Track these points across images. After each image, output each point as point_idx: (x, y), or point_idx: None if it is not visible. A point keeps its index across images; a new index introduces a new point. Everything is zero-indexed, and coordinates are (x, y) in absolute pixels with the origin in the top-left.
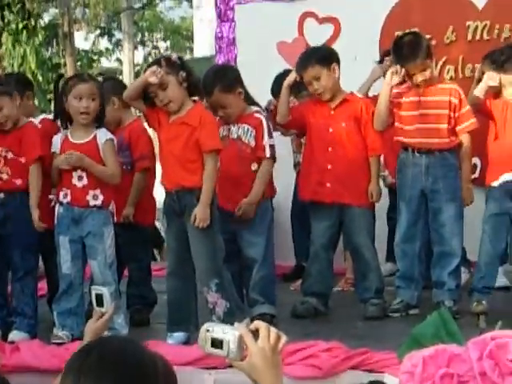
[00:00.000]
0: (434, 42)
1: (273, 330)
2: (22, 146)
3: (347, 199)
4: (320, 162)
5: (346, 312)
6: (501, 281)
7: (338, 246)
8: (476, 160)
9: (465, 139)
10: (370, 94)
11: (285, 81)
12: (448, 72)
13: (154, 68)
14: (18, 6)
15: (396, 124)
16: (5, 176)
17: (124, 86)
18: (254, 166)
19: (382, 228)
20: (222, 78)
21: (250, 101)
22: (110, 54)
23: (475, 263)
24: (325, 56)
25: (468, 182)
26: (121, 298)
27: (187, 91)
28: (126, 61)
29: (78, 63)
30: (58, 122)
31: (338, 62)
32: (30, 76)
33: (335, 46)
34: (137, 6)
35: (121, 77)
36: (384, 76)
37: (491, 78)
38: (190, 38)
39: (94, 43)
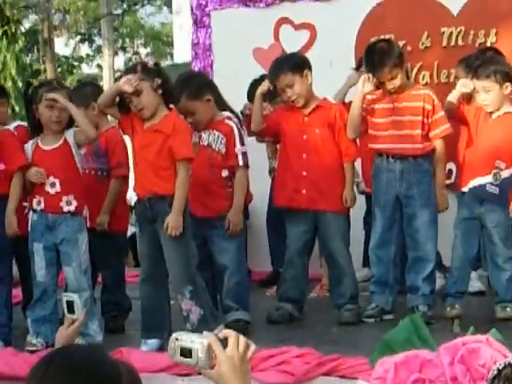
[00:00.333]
0: (409, 48)
1: (242, 338)
2: (1, 152)
3: (322, 205)
4: (295, 168)
5: (321, 318)
6: (475, 286)
7: (314, 251)
8: (451, 165)
9: (438, 145)
10: (346, 100)
11: (258, 89)
12: (423, 78)
13: (130, 76)
14: None
15: (370, 131)
16: None
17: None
18: (224, 173)
19: (359, 234)
20: (189, 85)
21: (222, 106)
22: (91, 60)
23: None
24: (296, 63)
25: (442, 187)
26: (95, 305)
27: (163, 98)
28: (106, 66)
29: (59, 69)
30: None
31: (309, 68)
32: (10, 82)
33: (311, 52)
34: (117, 12)
35: (101, 83)
36: None
37: (464, 85)
38: (171, 44)
39: (74, 49)
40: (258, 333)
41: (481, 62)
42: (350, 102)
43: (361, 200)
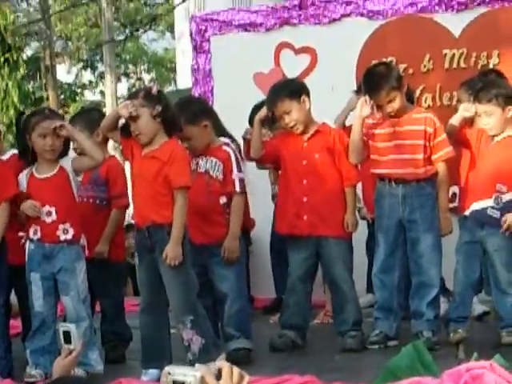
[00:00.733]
0: (410, 71)
1: (235, 369)
2: None
3: (324, 231)
4: (296, 194)
5: (324, 344)
6: (478, 309)
7: (318, 277)
8: (455, 188)
9: (441, 168)
10: (348, 124)
11: (256, 116)
12: (426, 100)
13: (128, 102)
14: None
15: (371, 156)
16: None
17: None
18: (222, 200)
19: (362, 259)
20: (186, 110)
21: (220, 132)
22: (94, 87)
23: None
24: (294, 89)
25: (446, 211)
26: (95, 334)
27: (163, 126)
28: (109, 93)
29: (62, 96)
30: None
31: (307, 93)
32: (12, 110)
33: (312, 77)
34: (119, 38)
35: (104, 109)
36: None
37: (466, 109)
38: (174, 70)
39: (77, 76)
40: (260, 361)
41: (482, 85)
42: (351, 126)
43: (363, 225)
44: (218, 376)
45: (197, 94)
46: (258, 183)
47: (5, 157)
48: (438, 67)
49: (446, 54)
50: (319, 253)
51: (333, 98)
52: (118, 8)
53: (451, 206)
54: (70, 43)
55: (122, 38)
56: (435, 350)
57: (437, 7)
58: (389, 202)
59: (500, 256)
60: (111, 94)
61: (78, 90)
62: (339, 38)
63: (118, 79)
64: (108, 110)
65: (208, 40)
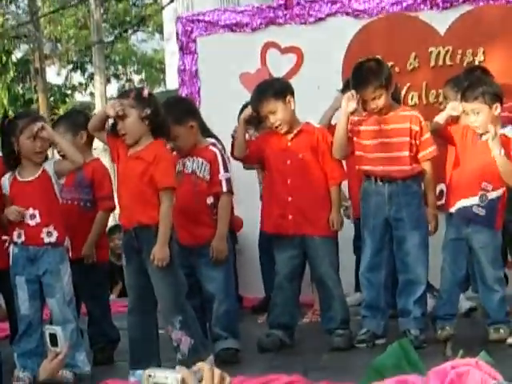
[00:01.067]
0: (397, 69)
1: (216, 370)
2: None
3: (309, 230)
4: (280, 194)
5: (313, 343)
6: (465, 305)
7: (306, 276)
8: (442, 186)
9: (427, 166)
10: (333, 123)
11: (241, 116)
12: (412, 98)
13: (115, 101)
14: None
15: (357, 153)
16: None
17: None
18: (209, 200)
19: (350, 258)
20: (173, 110)
21: (206, 133)
22: (84, 89)
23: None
24: (279, 89)
25: (434, 208)
26: (82, 336)
27: (150, 129)
28: (98, 94)
29: (51, 98)
30: None
31: (292, 93)
32: (2, 112)
33: (298, 76)
34: (108, 39)
35: (94, 111)
36: None
37: (454, 108)
38: (164, 71)
39: (66, 78)
40: (248, 360)
41: (469, 83)
42: (335, 125)
43: (351, 224)
44: (200, 378)
45: (184, 95)
46: (246, 183)
47: None
48: (423, 65)
49: (431, 52)
50: (305, 252)
51: (319, 97)
52: (107, 9)
53: (439, 203)
54: (59, 45)
55: (111, 39)
56: (423, 347)
57: (422, 5)
58: (375, 200)
59: (486, 253)
60: (101, 95)
61: (68, 92)
62: (325, 38)
63: (108, 80)
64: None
65: (194, 41)
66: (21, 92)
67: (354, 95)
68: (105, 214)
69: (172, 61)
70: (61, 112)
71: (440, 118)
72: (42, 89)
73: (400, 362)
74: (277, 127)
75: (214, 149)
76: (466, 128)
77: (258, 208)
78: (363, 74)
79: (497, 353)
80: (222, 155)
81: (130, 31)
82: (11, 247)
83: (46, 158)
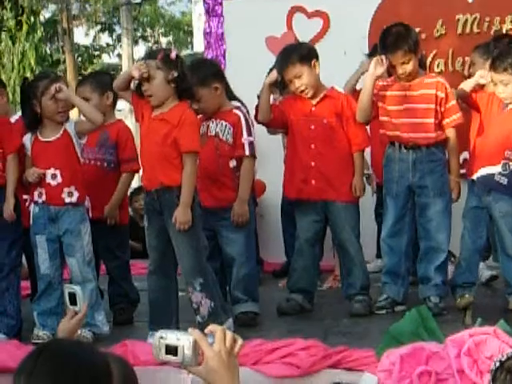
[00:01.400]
0: (423, 36)
1: (228, 333)
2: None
3: (331, 195)
4: (303, 159)
5: (332, 309)
6: (486, 274)
7: (328, 242)
8: (466, 154)
9: (451, 133)
10: (358, 87)
11: (265, 79)
12: (438, 66)
13: (141, 63)
14: (11, 2)
15: (381, 118)
16: None
17: None
18: (232, 163)
19: (372, 225)
20: (197, 72)
21: (231, 96)
22: (112, 50)
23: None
24: (304, 53)
25: (457, 176)
26: (102, 296)
27: (176, 92)
28: (125, 56)
29: (79, 59)
30: None
31: (317, 58)
32: (29, 72)
33: (324, 41)
34: (136, 0)
35: (121, 72)
36: None
37: (482, 76)
38: (191, 33)
39: (94, 39)
40: (267, 324)
41: (498, 53)
42: (360, 91)
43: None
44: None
45: (209, 58)
46: (270, 147)
47: (12, 119)
48: (450, 32)
49: (458, 19)
50: (327, 217)
51: (345, 62)
52: None
53: (461, 171)
54: (87, 6)
55: (139, 0)
56: (442, 315)
57: None
58: (399, 167)
59: (506, 222)
60: (128, 57)
61: (96, 53)
62: (352, 3)
63: (136, 42)
64: None
65: (220, 3)
66: (48, 52)
67: (383, 60)
68: (128, 176)
69: (199, 23)
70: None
71: (467, 85)
72: (69, 49)
73: (418, 328)
74: (302, 91)
75: (238, 112)
76: (491, 96)
77: (281, 172)
78: (392, 39)
79: None
80: (246, 119)
81: None
82: (32, 206)
83: (68, 118)
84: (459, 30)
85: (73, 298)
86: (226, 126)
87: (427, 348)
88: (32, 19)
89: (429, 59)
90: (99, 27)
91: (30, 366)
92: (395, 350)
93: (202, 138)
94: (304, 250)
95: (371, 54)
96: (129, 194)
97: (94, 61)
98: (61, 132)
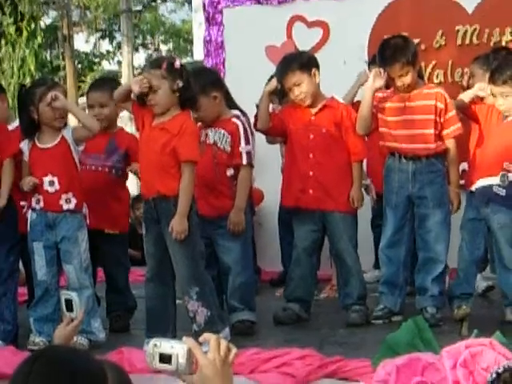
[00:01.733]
0: (423, 47)
1: (223, 341)
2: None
3: (329, 205)
4: (302, 168)
5: (329, 318)
6: (482, 285)
7: (325, 251)
8: (465, 165)
9: (451, 144)
10: (356, 99)
11: (265, 87)
12: (437, 76)
13: (141, 77)
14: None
15: (381, 129)
16: None
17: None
18: (229, 172)
19: (370, 235)
20: (197, 80)
21: (231, 105)
22: (112, 57)
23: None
24: (305, 62)
25: (456, 186)
26: (99, 303)
27: (179, 101)
28: (125, 63)
29: (79, 66)
30: None
31: (317, 67)
32: (28, 78)
33: (324, 50)
34: (137, 8)
35: (121, 79)
36: None
37: (482, 89)
38: (191, 41)
39: (94, 46)
40: (264, 333)
41: (497, 66)
42: (359, 102)
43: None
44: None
45: (209, 66)
46: (268, 155)
47: (11, 127)
48: (450, 43)
49: (458, 30)
50: (325, 227)
51: (344, 72)
52: None
53: (460, 182)
54: (88, 12)
55: (139, 7)
56: (439, 326)
57: None
58: (398, 177)
59: (504, 233)
60: (128, 64)
61: (96, 60)
62: (352, 12)
63: (136, 49)
64: (124, 80)
65: (221, 12)
66: (48, 58)
67: (382, 72)
68: None
69: (199, 32)
70: (88, 79)
71: (466, 97)
72: (69, 56)
73: (414, 339)
74: (301, 100)
75: (237, 121)
76: (491, 107)
77: (279, 181)
78: (390, 52)
79: None
80: (245, 128)
81: (159, 0)
82: (29, 213)
83: (66, 124)
84: (459, 41)
85: (69, 305)
86: (224, 134)
87: (423, 359)
88: (32, 25)
89: (428, 70)
90: (99, 34)
91: (25, 373)
92: (391, 360)
93: (201, 146)
94: (301, 259)
95: (371, 65)
96: (130, 201)
97: (94, 67)
98: (58, 139)
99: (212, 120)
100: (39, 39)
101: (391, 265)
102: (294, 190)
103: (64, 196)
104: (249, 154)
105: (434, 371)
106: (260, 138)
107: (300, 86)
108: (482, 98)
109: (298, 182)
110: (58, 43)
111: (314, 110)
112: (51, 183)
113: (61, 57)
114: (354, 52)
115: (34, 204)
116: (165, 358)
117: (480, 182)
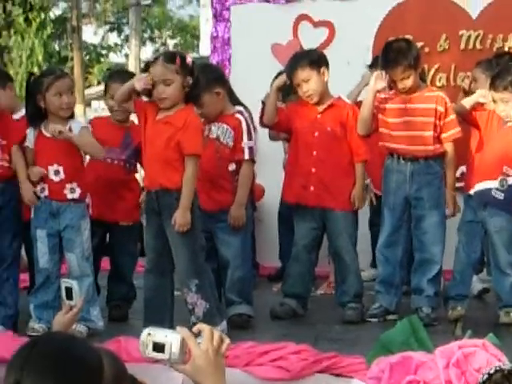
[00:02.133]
0: (426, 50)
1: (216, 332)
2: (5, 131)
3: (330, 203)
4: (304, 165)
5: (325, 315)
6: (478, 287)
7: (324, 248)
8: (464, 168)
9: (449, 147)
10: (359, 100)
11: (274, 82)
12: (440, 80)
13: (144, 75)
14: None
15: (381, 129)
16: (5, 164)
17: None
18: (231, 167)
19: (368, 233)
20: (200, 77)
21: (234, 101)
22: (119, 50)
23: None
24: (315, 59)
25: (452, 189)
26: (99, 292)
27: (185, 96)
28: (133, 56)
29: (87, 57)
30: None
31: (327, 65)
32: (36, 68)
33: (329, 50)
34: (145, 2)
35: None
36: None
37: (483, 96)
38: (198, 37)
39: (102, 38)
40: (260, 327)
41: (498, 72)
42: (361, 102)
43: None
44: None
45: (214, 62)
46: (270, 151)
47: (17, 116)
48: (453, 47)
49: (462, 35)
50: (325, 224)
51: (348, 72)
52: None
53: (458, 185)
54: (97, 5)
55: (148, 2)
56: (433, 325)
57: None
58: (396, 178)
59: (501, 237)
60: (135, 57)
61: (103, 52)
62: (358, 14)
63: (143, 43)
64: None
65: (228, 9)
66: (57, 49)
67: (384, 75)
68: None
69: (206, 28)
70: (95, 71)
71: (467, 103)
72: (77, 47)
73: (408, 338)
74: (308, 96)
75: (240, 116)
76: (491, 113)
77: (280, 177)
78: (392, 55)
79: (506, 336)
80: (247, 123)
81: None
82: None
83: (73, 115)
84: (462, 46)
85: (69, 293)
86: (226, 129)
87: (416, 357)
88: (42, 16)
89: (431, 73)
90: (108, 27)
91: (23, 357)
92: (385, 357)
93: (204, 140)
94: (300, 255)
95: (372, 66)
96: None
97: (102, 59)
98: (66, 128)
99: (215, 116)
100: (48, 30)
101: (388, 264)
102: (295, 186)
103: (68, 185)
104: (251, 149)
105: (427, 370)
106: (262, 134)
107: (308, 83)
108: (482, 105)
109: (300, 178)
110: (67, 34)
111: (320, 108)
112: (56, 172)
113: (69, 48)
114: (359, 53)
115: (38, 192)
116: (158, 347)
117: (479, 186)
